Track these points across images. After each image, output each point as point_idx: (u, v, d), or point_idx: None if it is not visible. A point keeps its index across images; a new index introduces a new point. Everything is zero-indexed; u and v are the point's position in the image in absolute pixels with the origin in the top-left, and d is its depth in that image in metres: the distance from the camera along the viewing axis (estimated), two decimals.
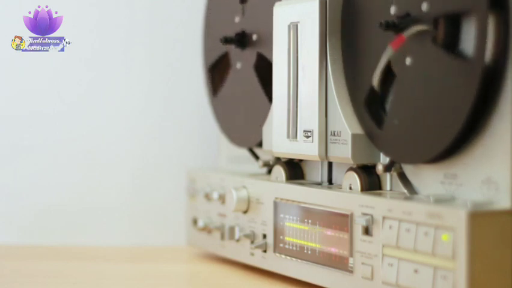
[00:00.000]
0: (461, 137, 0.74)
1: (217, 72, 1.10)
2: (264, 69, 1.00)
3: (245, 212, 0.99)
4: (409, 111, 0.79)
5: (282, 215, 0.92)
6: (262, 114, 0.99)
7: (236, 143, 1.07)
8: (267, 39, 0.98)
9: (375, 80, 0.79)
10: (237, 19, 1.04)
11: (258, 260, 0.97)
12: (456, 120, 0.74)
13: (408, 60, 0.78)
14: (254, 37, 1.02)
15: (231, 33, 1.04)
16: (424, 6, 0.76)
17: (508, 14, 0.71)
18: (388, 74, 0.81)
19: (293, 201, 0.91)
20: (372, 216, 0.79)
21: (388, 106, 0.82)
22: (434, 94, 0.76)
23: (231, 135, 1.08)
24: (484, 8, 0.71)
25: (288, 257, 0.92)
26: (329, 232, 0.86)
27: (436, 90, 0.76)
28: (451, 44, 0.75)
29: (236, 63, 1.05)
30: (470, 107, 0.72)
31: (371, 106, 0.83)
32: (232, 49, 1.06)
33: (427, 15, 0.76)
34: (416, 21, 0.77)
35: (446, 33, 0.75)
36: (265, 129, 0.98)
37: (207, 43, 1.13)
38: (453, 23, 0.74)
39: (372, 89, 0.82)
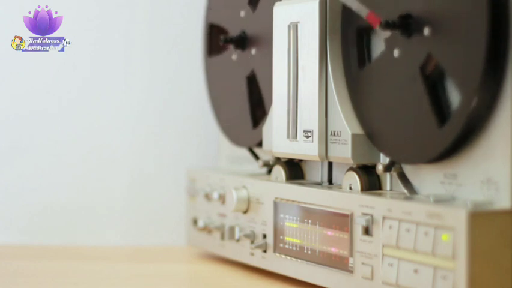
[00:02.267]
0: (461, 137, 0.74)
1: (215, 35, 1.09)
2: (255, 85, 1.01)
3: (245, 212, 0.99)
4: (409, 111, 0.79)
5: (282, 215, 0.92)
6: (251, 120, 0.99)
7: (236, 143, 1.07)
8: (264, 52, 0.98)
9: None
10: (242, 13, 1.04)
11: (258, 260, 0.97)
12: (456, 120, 0.74)
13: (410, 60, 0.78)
14: (253, 51, 1.02)
15: (231, 33, 1.04)
16: (424, 7, 0.76)
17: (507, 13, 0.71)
18: (389, 76, 0.82)
19: (293, 201, 0.91)
20: (372, 216, 0.79)
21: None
22: (434, 94, 0.76)
23: (231, 135, 1.08)
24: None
25: (288, 257, 0.92)
26: (329, 232, 0.86)
27: (436, 90, 0.76)
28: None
29: (232, 54, 1.05)
30: (470, 106, 0.72)
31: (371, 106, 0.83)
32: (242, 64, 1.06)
33: (427, 12, 0.76)
34: (416, 20, 0.77)
35: (444, 36, 0.75)
36: (265, 129, 0.98)
37: (207, 43, 1.12)
38: (451, 25, 0.75)
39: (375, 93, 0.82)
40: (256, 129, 1.02)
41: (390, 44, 0.80)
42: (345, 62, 0.87)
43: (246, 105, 1.04)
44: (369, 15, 0.79)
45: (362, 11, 0.79)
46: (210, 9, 1.12)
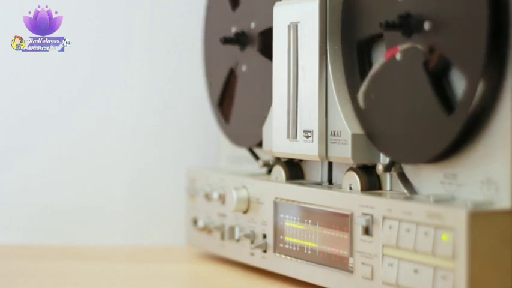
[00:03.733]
0: (461, 137, 0.74)
1: (225, 102, 1.09)
2: (268, 50, 0.99)
3: (245, 212, 0.99)
4: (409, 111, 0.79)
5: (282, 215, 0.92)
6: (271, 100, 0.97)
7: (236, 143, 1.07)
8: (265, 24, 0.98)
9: (361, 96, 0.79)
10: (233, 29, 1.04)
11: (258, 260, 0.97)
12: (456, 120, 0.74)
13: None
14: (252, 25, 1.02)
15: (230, 33, 1.04)
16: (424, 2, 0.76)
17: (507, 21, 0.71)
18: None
19: (293, 201, 0.91)
20: (372, 216, 0.79)
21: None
22: (437, 92, 0.76)
23: (231, 135, 1.08)
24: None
25: (288, 257, 0.92)
26: (329, 232, 0.86)
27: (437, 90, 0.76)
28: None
29: (241, 68, 1.05)
30: (470, 106, 0.72)
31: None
32: (233, 57, 1.05)
33: (427, 10, 0.76)
34: (416, 21, 0.77)
35: (445, 36, 0.75)
36: (265, 129, 0.98)
37: (207, 43, 1.13)
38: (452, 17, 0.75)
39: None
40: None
41: (391, 45, 0.80)
42: (345, 61, 0.87)
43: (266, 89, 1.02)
44: (387, 55, 0.79)
45: (380, 61, 0.79)
46: (210, 7, 1.12)
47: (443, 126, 0.75)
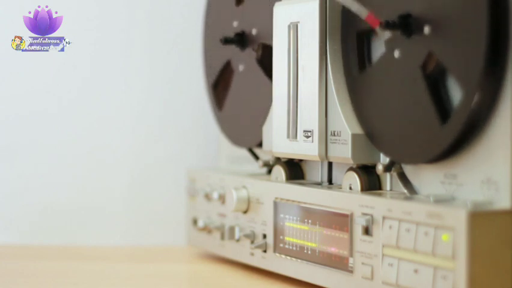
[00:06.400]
0: (461, 137, 0.74)
1: (220, 87, 1.10)
2: (267, 61, 0.99)
3: (245, 212, 0.99)
4: (409, 111, 0.79)
5: (282, 215, 0.92)
6: (268, 108, 0.97)
7: (236, 143, 1.07)
8: (267, 32, 0.98)
9: None
10: (235, 23, 1.04)
11: (258, 260, 0.97)
12: (456, 119, 0.74)
13: (408, 60, 0.78)
14: (254, 31, 1.02)
15: (230, 33, 1.04)
16: (424, 7, 0.76)
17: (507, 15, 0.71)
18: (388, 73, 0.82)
19: (293, 201, 0.91)
20: (372, 216, 0.79)
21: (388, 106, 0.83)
22: (435, 94, 0.76)
23: (231, 135, 1.08)
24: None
25: (288, 257, 0.92)
26: (329, 232, 0.86)
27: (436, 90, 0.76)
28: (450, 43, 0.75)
29: (238, 67, 1.05)
30: (470, 105, 0.72)
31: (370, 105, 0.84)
32: (233, 54, 1.05)
33: (427, 15, 0.76)
34: (416, 19, 0.77)
35: (445, 34, 0.75)
36: (265, 129, 0.98)
37: (207, 43, 1.13)
38: (451, 23, 0.75)
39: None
40: None
41: (390, 45, 0.80)
42: (345, 62, 0.87)
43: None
44: (369, 16, 0.79)
45: (362, 12, 0.79)
46: (210, 6, 1.12)
47: (442, 127, 0.75)
